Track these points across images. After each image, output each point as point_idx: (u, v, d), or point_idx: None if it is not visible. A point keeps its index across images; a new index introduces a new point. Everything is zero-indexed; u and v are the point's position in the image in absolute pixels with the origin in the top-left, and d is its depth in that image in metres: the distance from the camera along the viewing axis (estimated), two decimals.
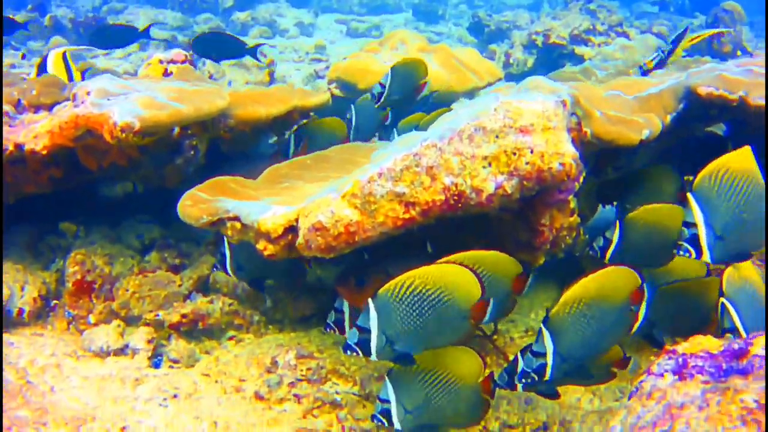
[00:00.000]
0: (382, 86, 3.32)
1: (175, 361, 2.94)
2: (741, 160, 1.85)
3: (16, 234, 3.23)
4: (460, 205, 2.01)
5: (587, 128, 2.26)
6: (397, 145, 2.11)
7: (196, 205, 2.48)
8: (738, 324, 1.97)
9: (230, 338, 3.10)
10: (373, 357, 1.92)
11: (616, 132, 2.26)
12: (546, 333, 1.90)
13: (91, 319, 2.99)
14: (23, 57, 5.84)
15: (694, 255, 1.92)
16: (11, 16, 5.15)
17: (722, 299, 2.02)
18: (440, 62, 4.79)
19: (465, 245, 2.08)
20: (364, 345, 1.92)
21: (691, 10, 9.75)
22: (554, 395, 2.18)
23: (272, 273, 2.85)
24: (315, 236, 2.04)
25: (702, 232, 1.87)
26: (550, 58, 6.12)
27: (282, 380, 2.70)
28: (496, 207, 2.03)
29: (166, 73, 4.75)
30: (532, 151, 1.98)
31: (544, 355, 1.91)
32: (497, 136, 2.00)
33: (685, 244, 1.91)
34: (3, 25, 4.28)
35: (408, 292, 1.87)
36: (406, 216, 2.03)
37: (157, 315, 3.01)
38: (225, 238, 2.52)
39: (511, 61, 6.26)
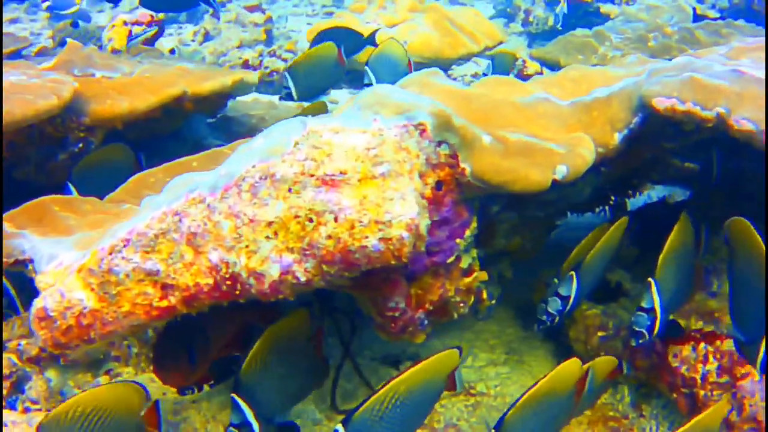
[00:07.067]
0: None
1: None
2: None
3: None
4: (237, 292, 1.20)
5: (466, 164, 1.38)
6: (166, 191, 1.30)
7: None
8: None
9: (107, 372, 2.39)
10: None
11: (509, 171, 1.38)
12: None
13: None
14: None
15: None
16: None
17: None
18: (432, 24, 4.03)
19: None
20: None
21: None
22: None
23: None
24: (39, 327, 1.28)
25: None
26: (575, 16, 5.06)
27: None
28: (292, 296, 1.21)
29: (130, 36, 4.08)
30: (336, 219, 1.14)
31: None
32: (290, 190, 1.18)
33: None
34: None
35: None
36: (164, 304, 1.25)
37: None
38: None
39: (531, 18, 5.23)
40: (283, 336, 1.50)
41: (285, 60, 4.50)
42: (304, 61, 2.74)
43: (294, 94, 2.65)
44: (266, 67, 4.51)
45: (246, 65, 4.51)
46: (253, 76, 2.77)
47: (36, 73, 2.25)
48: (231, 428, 1.50)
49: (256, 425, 1.48)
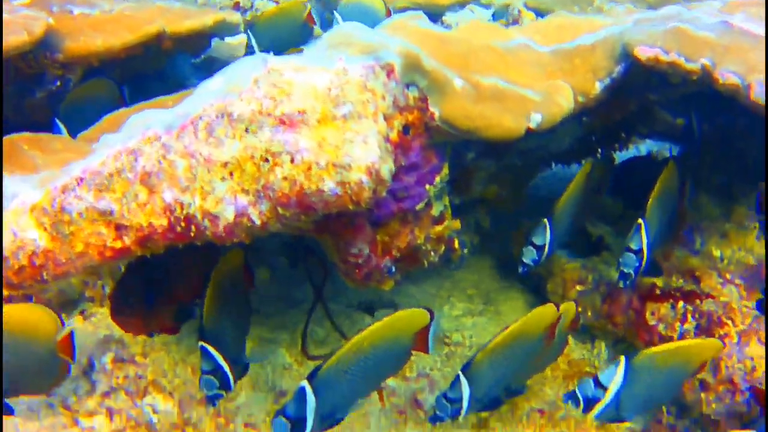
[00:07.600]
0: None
1: None
2: None
3: None
4: (192, 234, 1.15)
5: (435, 108, 1.32)
6: (124, 129, 1.24)
7: None
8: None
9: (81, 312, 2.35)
10: None
11: (481, 117, 1.32)
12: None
13: None
14: None
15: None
16: None
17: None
18: None
19: None
20: None
21: None
22: None
23: None
24: None
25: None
26: None
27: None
28: (248, 239, 1.16)
29: None
30: (292, 160, 1.09)
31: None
32: (247, 130, 1.12)
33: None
34: None
35: None
36: (118, 245, 1.20)
37: None
38: None
39: None
40: (228, 277, 1.49)
41: (277, 2, 4.38)
42: (268, 18, 2.62)
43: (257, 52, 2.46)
44: (257, 9, 4.39)
45: (237, 7, 4.39)
46: (236, 17, 2.66)
47: (9, 8, 2.17)
48: (205, 376, 1.48)
49: (228, 369, 1.46)
